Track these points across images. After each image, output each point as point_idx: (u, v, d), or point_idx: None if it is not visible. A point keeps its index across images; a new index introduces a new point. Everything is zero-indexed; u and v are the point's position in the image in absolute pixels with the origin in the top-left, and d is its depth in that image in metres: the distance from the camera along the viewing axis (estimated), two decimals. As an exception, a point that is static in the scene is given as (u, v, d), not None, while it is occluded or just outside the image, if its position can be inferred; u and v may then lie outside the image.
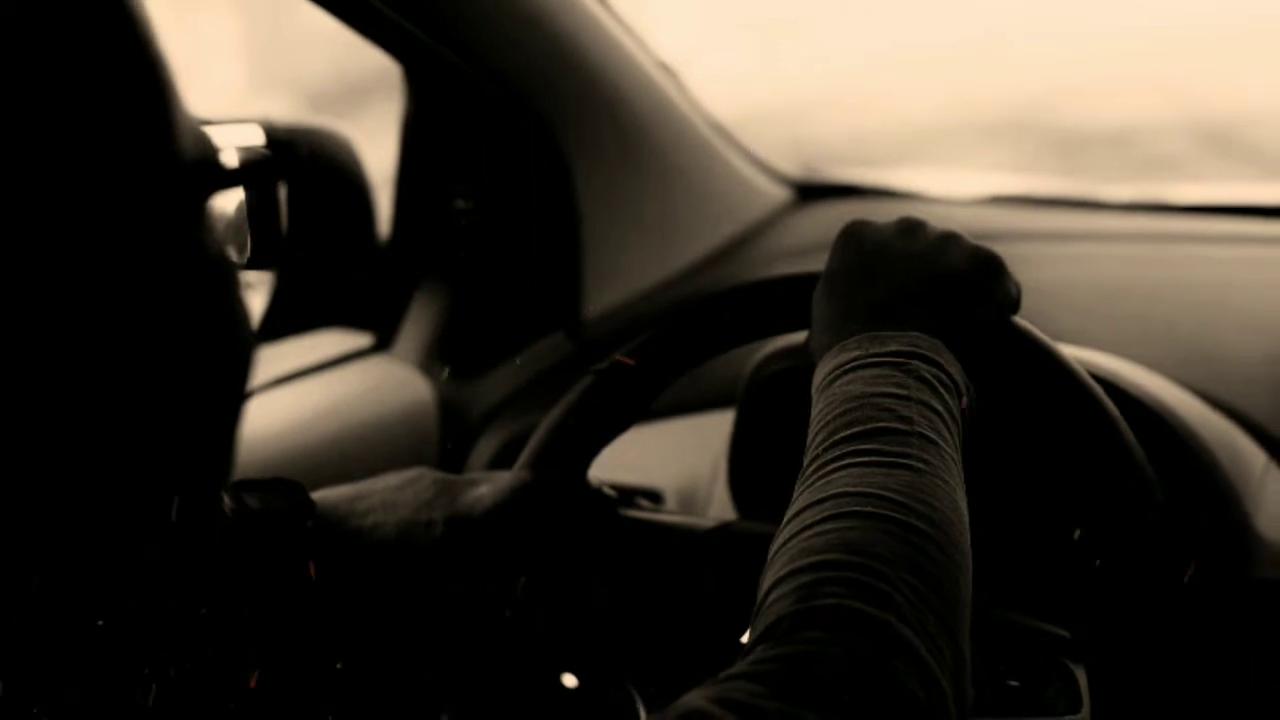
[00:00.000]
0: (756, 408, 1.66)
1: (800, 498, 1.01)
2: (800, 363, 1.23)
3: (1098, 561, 1.31)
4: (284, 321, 1.92)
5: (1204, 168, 5.62)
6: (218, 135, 0.84)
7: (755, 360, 1.65)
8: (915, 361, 1.09)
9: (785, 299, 1.30)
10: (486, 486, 1.32)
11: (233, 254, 0.89)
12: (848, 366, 1.11)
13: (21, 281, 0.69)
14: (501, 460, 1.98)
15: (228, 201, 0.98)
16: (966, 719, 0.89)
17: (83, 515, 0.75)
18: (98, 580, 0.79)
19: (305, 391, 1.94)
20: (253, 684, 1.10)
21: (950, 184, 2.42)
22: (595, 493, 1.44)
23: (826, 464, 1.02)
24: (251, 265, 1.03)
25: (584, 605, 1.41)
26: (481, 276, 2.10)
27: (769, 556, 0.97)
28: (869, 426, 1.03)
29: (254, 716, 1.11)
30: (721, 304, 1.36)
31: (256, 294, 1.64)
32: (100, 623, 0.81)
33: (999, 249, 1.22)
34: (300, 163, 1.28)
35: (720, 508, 1.74)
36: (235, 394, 0.85)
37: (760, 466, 1.68)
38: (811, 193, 2.41)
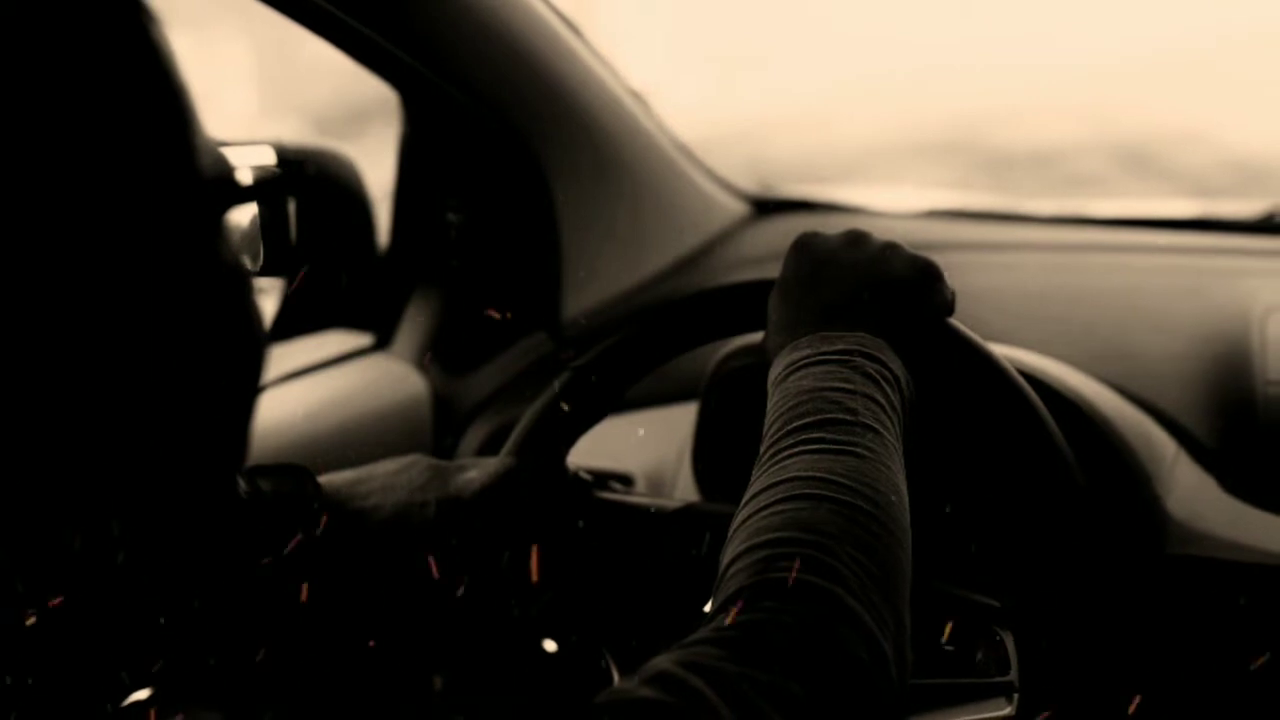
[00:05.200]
0: (718, 400, 1.66)
1: (757, 481, 1.01)
2: (757, 360, 1.23)
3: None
4: (293, 322, 1.92)
5: (1120, 185, 5.64)
6: (234, 155, 0.84)
7: (717, 358, 1.65)
8: (860, 359, 1.10)
9: (743, 303, 1.30)
10: (475, 471, 1.32)
11: (247, 262, 0.89)
12: (800, 363, 1.11)
13: (61, 287, 0.69)
14: (488, 447, 1.97)
15: (243, 215, 0.98)
16: (906, 680, 0.90)
17: (115, 496, 0.75)
18: (128, 554, 0.79)
19: (312, 386, 1.93)
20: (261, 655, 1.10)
21: (892, 199, 2.41)
22: (572, 476, 1.44)
23: (781, 451, 1.02)
24: (264, 272, 1.03)
25: (563, 578, 1.41)
26: (471, 282, 2.10)
27: (729, 534, 0.97)
28: (819, 417, 1.03)
29: (264, 682, 1.11)
30: (686, 307, 1.37)
31: (268, 298, 1.63)
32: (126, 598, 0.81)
33: (936, 258, 1.22)
34: (308, 180, 1.27)
35: (685, 490, 1.74)
36: (250, 388, 0.85)
37: (721, 453, 1.68)
38: (767, 207, 2.41)
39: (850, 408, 1.04)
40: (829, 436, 1.01)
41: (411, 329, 2.09)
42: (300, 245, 1.06)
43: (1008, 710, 1.25)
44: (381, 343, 2.10)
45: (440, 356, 2.08)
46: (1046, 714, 1.27)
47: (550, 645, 1.42)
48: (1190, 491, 1.53)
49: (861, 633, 0.87)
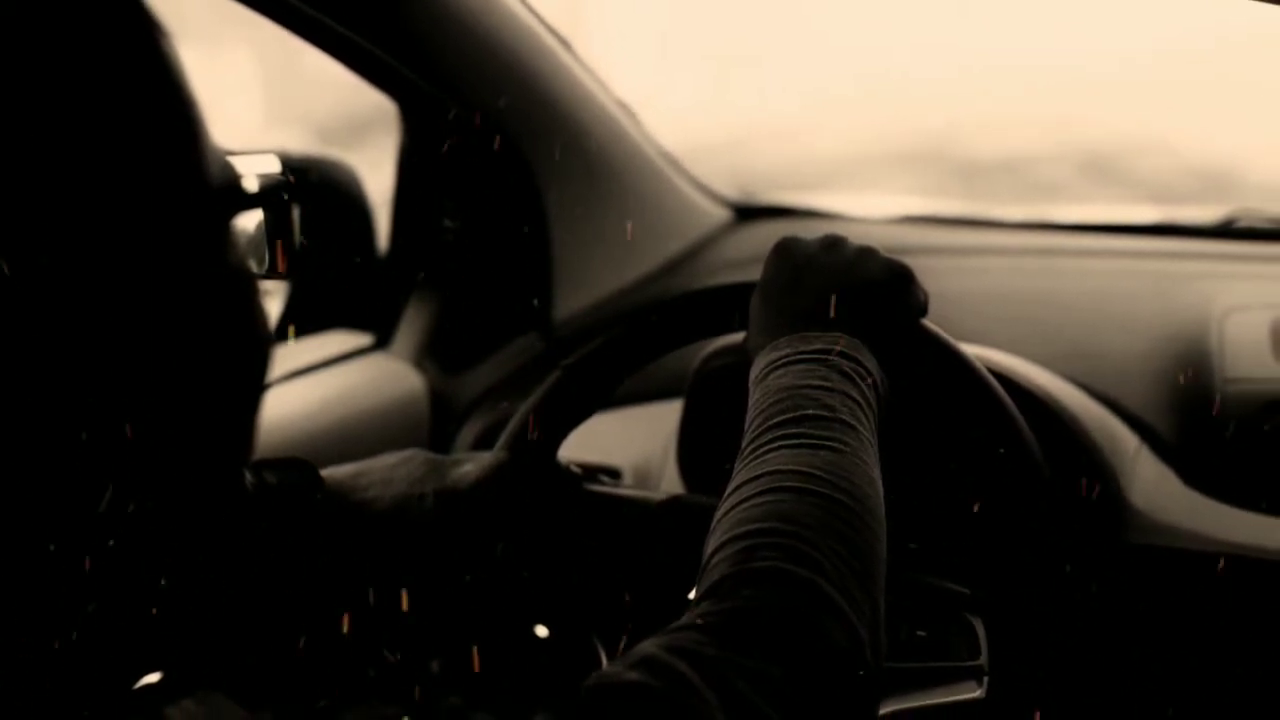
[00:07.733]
0: (701, 398, 1.67)
1: (739, 474, 1.01)
2: (739, 359, 1.23)
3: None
4: (296, 323, 1.92)
5: (1084, 192, 5.64)
6: (240, 164, 0.84)
7: (700, 357, 1.66)
8: (838, 358, 1.10)
9: (726, 305, 1.30)
10: (470, 465, 1.32)
11: (253, 266, 0.89)
12: (779, 362, 1.11)
13: (73, 290, 0.69)
14: (483, 443, 1.97)
15: (249, 221, 0.98)
16: (881, 664, 0.90)
17: (127, 488, 0.75)
18: (138, 544, 0.79)
19: (314, 384, 1.93)
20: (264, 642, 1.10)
21: (868, 206, 2.41)
22: (563, 470, 1.44)
23: (761, 445, 1.02)
24: (269, 275, 1.02)
25: (554, 566, 1.41)
26: (466, 285, 2.10)
27: (712, 525, 0.97)
28: (798, 413, 1.03)
29: (269, 665, 1.11)
30: (672, 309, 1.37)
31: (273, 300, 1.63)
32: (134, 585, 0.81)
33: (909, 262, 1.22)
34: (311, 188, 1.28)
35: (670, 483, 1.74)
36: (255, 386, 0.85)
37: (705, 448, 1.68)
38: (748, 213, 2.41)
39: (828, 404, 1.04)
40: (808, 432, 1.02)
41: (410, 329, 2.09)
42: (304, 250, 1.05)
43: (978, 693, 1.26)
44: (381, 342, 2.10)
45: (436, 355, 2.08)
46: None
47: (542, 631, 1.43)
48: (1151, 484, 1.53)
49: (839, 619, 0.87)
